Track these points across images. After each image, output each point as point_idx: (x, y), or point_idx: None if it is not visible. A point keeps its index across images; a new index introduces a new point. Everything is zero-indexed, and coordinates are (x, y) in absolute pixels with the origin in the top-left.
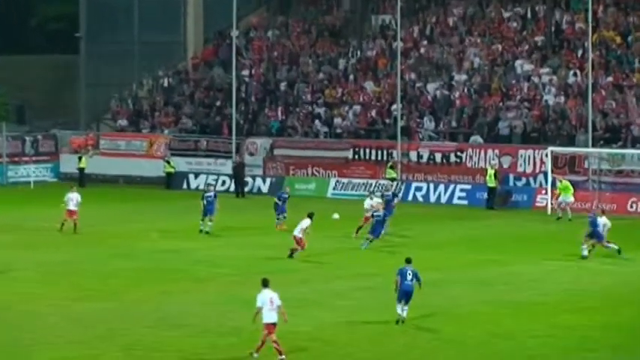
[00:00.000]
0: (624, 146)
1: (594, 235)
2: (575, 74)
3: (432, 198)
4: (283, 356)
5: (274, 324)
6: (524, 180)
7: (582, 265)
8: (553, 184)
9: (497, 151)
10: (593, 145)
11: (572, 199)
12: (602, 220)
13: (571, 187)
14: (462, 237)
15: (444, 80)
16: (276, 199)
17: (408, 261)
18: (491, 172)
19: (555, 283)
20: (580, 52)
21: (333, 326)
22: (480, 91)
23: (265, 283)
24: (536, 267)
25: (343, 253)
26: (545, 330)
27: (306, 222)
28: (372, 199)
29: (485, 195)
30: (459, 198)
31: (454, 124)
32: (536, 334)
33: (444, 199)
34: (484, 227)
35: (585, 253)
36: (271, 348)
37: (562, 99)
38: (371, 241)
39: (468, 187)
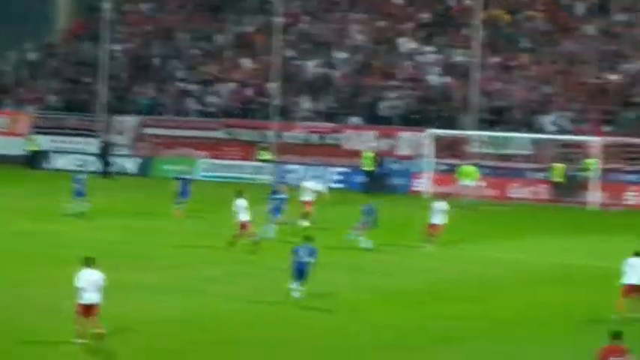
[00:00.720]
0: (509, 129)
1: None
2: (460, 53)
3: (307, 181)
4: (100, 330)
5: (94, 305)
6: (402, 163)
7: (455, 253)
8: (434, 168)
9: (376, 132)
10: (477, 128)
11: (474, 184)
12: (440, 205)
13: (476, 173)
14: (339, 222)
15: (324, 58)
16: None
17: (307, 238)
18: (369, 154)
19: (428, 271)
20: (467, 31)
21: (200, 312)
22: (361, 70)
23: (88, 262)
24: (412, 252)
25: (218, 237)
26: (417, 319)
27: (242, 202)
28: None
29: (363, 178)
30: (336, 181)
31: (333, 104)
32: (408, 322)
33: (319, 181)
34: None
35: (351, 237)
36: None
37: (447, 79)
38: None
39: (345, 170)
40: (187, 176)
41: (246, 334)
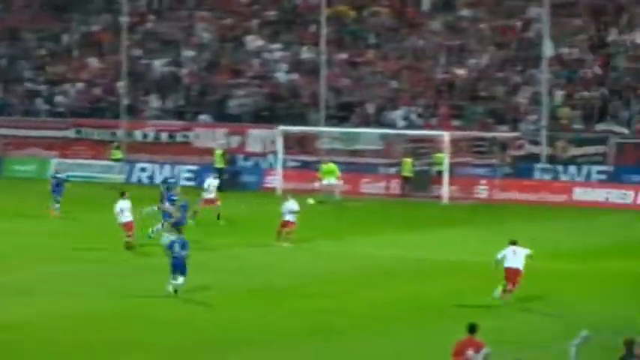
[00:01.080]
0: (358, 125)
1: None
2: (308, 50)
3: (158, 179)
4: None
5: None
6: (253, 160)
7: (316, 248)
8: (285, 165)
9: (226, 130)
10: (325, 124)
11: (337, 181)
12: (290, 205)
13: (337, 170)
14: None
15: (172, 57)
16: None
17: (179, 231)
18: (219, 152)
19: (288, 268)
20: (314, 28)
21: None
22: (209, 68)
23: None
24: (268, 250)
25: (63, 236)
26: (278, 316)
27: (125, 203)
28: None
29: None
30: (187, 179)
31: (182, 102)
32: (265, 319)
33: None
34: (213, 210)
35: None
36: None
37: (294, 76)
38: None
39: (196, 167)
40: (61, 175)
41: (85, 335)
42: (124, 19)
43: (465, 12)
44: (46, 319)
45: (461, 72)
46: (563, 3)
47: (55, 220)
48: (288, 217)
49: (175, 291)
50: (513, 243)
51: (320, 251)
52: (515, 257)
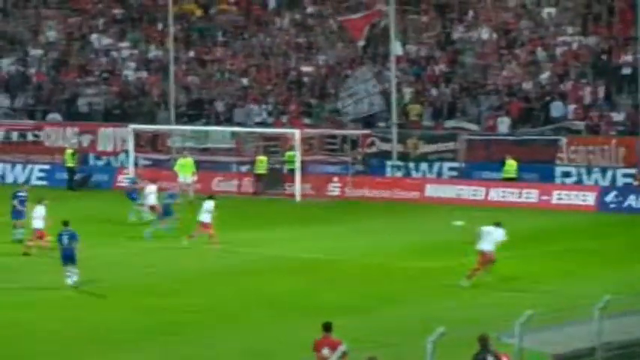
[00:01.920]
0: (208, 123)
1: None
2: (156, 48)
3: (10, 178)
4: None
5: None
6: (105, 159)
7: (168, 246)
8: (136, 163)
9: (76, 129)
10: (176, 122)
11: (192, 178)
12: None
13: (192, 166)
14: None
15: (19, 55)
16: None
17: (65, 223)
18: (69, 151)
19: (139, 266)
20: (161, 26)
21: None
22: (58, 67)
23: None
24: (119, 249)
25: None
26: (128, 313)
27: (41, 209)
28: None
29: (66, 175)
30: (39, 178)
31: (31, 101)
32: (118, 316)
33: (21, 179)
34: (67, 210)
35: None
36: None
37: (143, 74)
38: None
39: (48, 167)
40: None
41: None
42: None
43: (311, 9)
44: None
45: (309, 69)
46: (409, 0)
47: None
48: (204, 218)
49: (69, 282)
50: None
51: (174, 249)
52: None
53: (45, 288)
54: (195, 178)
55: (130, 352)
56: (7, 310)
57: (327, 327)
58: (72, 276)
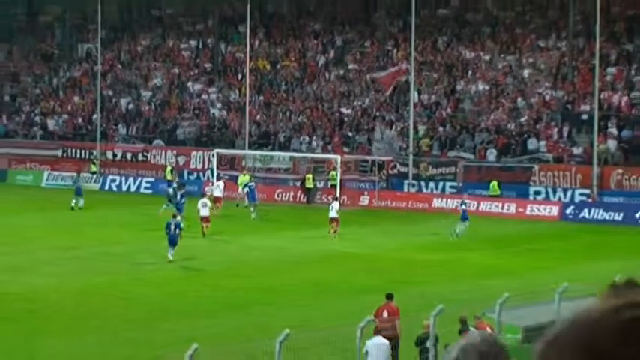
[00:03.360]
0: (273, 149)
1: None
2: (235, 93)
3: (124, 188)
4: None
5: None
6: (195, 174)
7: (237, 241)
8: (219, 177)
9: (175, 152)
10: (249, 148)
11: (245, 190)
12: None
13: (248, 181)
14: (148, 218)
15: (134, 96)
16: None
17: (174, 216)
18: (169, 168)
19: (219, 254)
20: (239, 76)
21: (42, 288)
22: (162, 105)
23: None
24: (207, 242)
25: (55, 229)
26: (209, 290)
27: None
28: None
29: (166, 186)
30: (145, 188)
31: (141, 130)
32: (203, 293)
33: (133, 189)
34: (165, 211)
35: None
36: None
37: (225, 112)
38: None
39: (152, 179)
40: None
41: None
42: (98, 68)
43: (351, 66)
44: (42, 292)
45: (348, 111)
46: (424, 61)
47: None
48: (203, 212)
49: (169, 258)
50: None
51: (241, 244)
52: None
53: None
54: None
55: (213, 318)
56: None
57: (390, 296)
58: (171, 254)
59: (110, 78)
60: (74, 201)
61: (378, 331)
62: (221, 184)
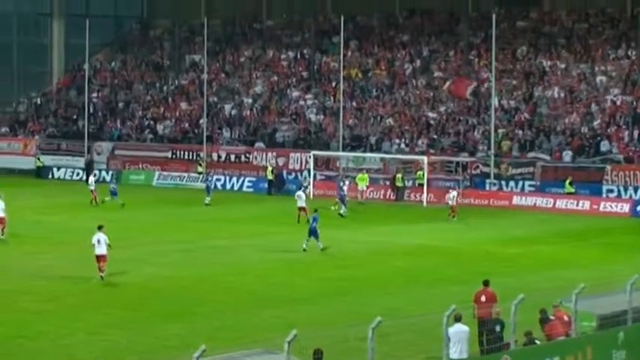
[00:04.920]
0: (364, 151)
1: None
2: (330, 99)
3: (228, 186)
4: (102, 274)
5: (103, 255)
6: (293, 174)
7: (336, 236)
8: (315, 178)
9: (274, 153)
10: (343, 150)
11: (364, 187)
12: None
13: (367, 180)
14: (250, 214)
15: (237, 102)
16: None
17: (315, 210)
18: (269, 168)
19: (315, 248)
20: (334, 84)
21: (155, 277)
22: (262, 111)
23: (99, 227)
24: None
25: (166, 225)
26: (307, 280)
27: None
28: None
29: (266, 185)
30: (247, 187)
31: (244, 133)
32: (301, 282)
33: (236, 187)
34: (266, 208)
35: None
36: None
37: (321, 117)
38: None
39: (254, 179)
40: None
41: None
42: (204, 76)
43: (436, 74)
44: (153, 280)
45: (434, 115)
46: (504, 69)
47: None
48: (301, 204)
49: (304, 249)
50: None
51: (336, 238)
52: None
53: (258, 261)
54: (366, 188)
55: (313, 305)
56: (229, 276)
57: (486, 282)
58: (319, 245)
59: (215, 86)
60: (208, 198)
61: (478, 316)
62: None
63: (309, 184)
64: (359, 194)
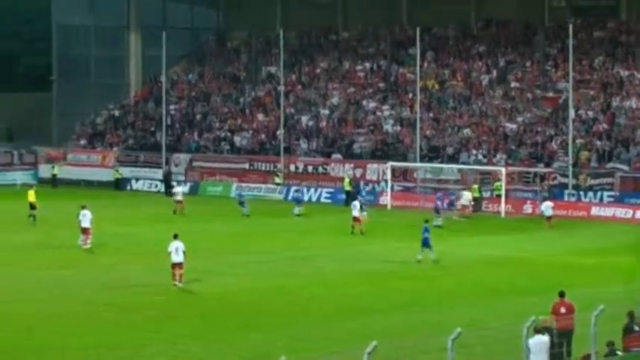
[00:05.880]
0: (442, 162)
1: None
2: (406, 110)
3: (306, 197)
4: (179, 284)
5: (179, 263)
6: (371, 185)
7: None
8: (392, 189)
9: (352, 164)
10: (420, 161)
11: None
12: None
13: (478, 191)
14: (328, 225)
15: (313, 113)
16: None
17: (426, 220)
18: (347, 179)
19: (390, 258)
20: (410, 95)
21: (235, 288)
22: (339, 122)
23: (175, 236)
24: (383, 247)
25: (244, 235)
26: (384, 291)
27: (86, 212)
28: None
29: (344, 196)
30: (325, 198)
31: (322, 145)
32: (378, 293)
33: (314, 199)
34: (344, 219)
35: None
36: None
37: (398, 128)
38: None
39: (332, 190)
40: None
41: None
42: (281, 88)
43: (513, 84)
44: (231, 290)
45: (512, 126)
46: (582, 79)
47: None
48: (355, 213)
49: (419, 260)
50: None
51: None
52: None
53: (330, 272)
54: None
55: (389, 316)
56: (307, 288)
57: (562, 294)
58: (431, 256)
59: (292, 97)
60: (297, 208)
61: (559, 327)
62: (466, 194)
63: (366, 193)
64: (471, 202)
